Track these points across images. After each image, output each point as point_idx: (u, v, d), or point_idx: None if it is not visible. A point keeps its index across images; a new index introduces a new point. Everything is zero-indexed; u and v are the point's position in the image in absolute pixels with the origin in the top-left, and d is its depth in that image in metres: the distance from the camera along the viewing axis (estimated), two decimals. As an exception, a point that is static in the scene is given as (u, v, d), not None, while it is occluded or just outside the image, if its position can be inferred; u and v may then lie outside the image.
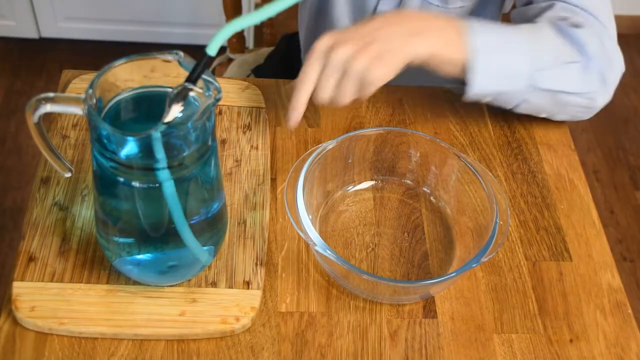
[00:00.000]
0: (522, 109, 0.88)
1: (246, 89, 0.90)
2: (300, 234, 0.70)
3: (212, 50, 0.58)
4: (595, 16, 0.87)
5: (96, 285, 0.70)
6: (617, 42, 0.89)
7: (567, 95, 0.85)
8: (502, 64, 0.82)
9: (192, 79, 0.57)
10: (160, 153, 0.57)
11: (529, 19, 0.91)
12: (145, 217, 0.63)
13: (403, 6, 1.02)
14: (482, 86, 0.82)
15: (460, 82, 0.83)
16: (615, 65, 0.88)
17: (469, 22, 0.82)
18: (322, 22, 1.12)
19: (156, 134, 0.56)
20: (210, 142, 0.61)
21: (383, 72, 0.76)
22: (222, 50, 1.54)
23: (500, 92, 0.85)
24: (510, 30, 0.83)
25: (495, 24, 0.83)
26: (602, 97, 0.87)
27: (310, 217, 0.72)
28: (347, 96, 0.77)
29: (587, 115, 0.89)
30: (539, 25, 0.86)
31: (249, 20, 0.59)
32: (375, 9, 1.03)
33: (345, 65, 0.75)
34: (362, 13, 1.05)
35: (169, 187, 0.59)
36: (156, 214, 0.63)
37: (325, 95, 0.77)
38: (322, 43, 0.76)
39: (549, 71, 0.83)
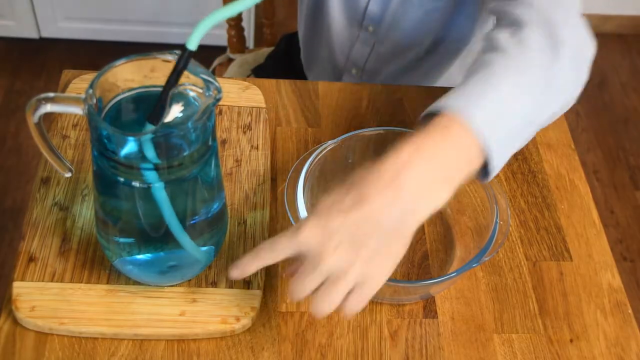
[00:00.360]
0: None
1: (246, 89, 0.90)
2: (301, 234, 0.70)
3: (192, 45, 0.56)
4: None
5: (96, 285, 0.70)
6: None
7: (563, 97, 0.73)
8: (513, 138, 0.68)
9: (174, 74, 0.57)
10: (150, 154, 0.57)
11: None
12: (145, 217, 0.63)
13: (390, 2, 1.01)
14: (502, 164, 0.67)
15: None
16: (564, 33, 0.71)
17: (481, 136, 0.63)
18: (318, 21, 1.12)
19: (145, 137, 0.56)
20: (210, 142, 0.61)
21: (389, 268, 0.60)
22: (222, 50, 1.54)
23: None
24: (504, 99, 0.66)
25: (488, 99, 0.65)
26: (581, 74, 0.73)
27: (311, 217, 0.72)
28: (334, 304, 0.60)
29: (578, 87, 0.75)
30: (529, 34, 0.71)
31: (227, 11, 0.57)
32: (365, 8, 1.04)
33: (337, 275, 0.59)
34: (356, 5, 1.05)
35: (158, 190, 0.60)
36: (156, 214, 0.63)
37: (301, 295, 0.60)
38: (306, 242, 0.59)
39: (541, 108, 0.69)
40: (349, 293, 0.59)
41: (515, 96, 0.66)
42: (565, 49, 0.69)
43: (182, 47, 0.56)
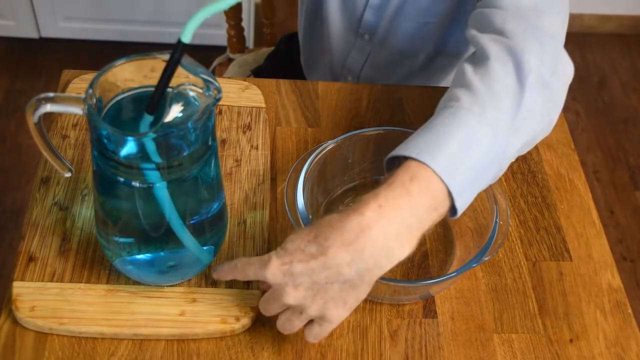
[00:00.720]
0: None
1: (246, 89, 0.90)
2: (300, 234, 0.70)
3: (185, 37, 0.57)
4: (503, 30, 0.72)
5: (96, 285, 0.70)
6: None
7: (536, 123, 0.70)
8: (479, 176, 0.66)
9: (168, 69, 0.57)
10: (152, 153, 0.57)
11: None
12: (145, 217, 0.63)
13: (385, 13, 1.01)
14: (468, 203, 0.66)
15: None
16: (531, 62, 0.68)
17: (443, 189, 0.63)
18: (316, 26, 1.12)
19: (147, 138, 0.56)
20: (210, 142, 0.61)
21: (353, 306, 0.64)
22: (222, 50, 1.54)
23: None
24: (467, 142, 0.65)
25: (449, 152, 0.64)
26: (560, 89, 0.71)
27: (310, 217, 0.72)
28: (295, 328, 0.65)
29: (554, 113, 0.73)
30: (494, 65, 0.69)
31: (221, 5, 0.56)
32: (362, 15, 1.04)
33: (296, 308, 0.64)
34: (353, 13, 1.05)
35: (160, 189, 0.60)
36: (156, 214, 0.63)
37: (267, 314, 0.66)
38: (271, 277, 0.62)
39: (512, 138, 0.67)
40: (311, 321, 0.64)
41: (478, 138, 0.64)
42: (531, 76, 0.67)
43: (177, 40, 0.57)
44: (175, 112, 0.57)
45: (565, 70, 0.72)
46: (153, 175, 0.59)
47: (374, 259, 0.61)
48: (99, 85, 0.59)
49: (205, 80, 0.58)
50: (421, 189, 0.62)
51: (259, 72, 1.32)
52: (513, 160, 0.70)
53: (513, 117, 0.66)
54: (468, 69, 0.70)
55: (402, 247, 0.62)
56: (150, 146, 0.57)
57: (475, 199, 0.76)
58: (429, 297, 0.74)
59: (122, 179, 0.59)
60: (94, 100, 0.58)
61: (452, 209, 0.65)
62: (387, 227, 0.61)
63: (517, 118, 0.66)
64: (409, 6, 1.00)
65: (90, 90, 0.57)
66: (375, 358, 0.69)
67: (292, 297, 0.62)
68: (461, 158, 0.63)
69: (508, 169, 0.86)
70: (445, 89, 0.96)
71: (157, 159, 0.58)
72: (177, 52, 0.57)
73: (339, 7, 1.06)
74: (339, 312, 0.63)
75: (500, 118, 0.66)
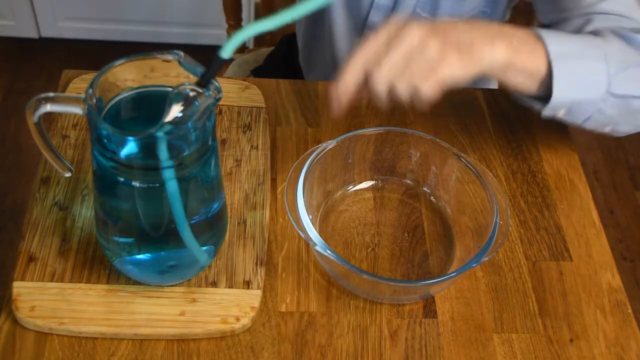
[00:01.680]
0: (591, 123, 0.81)
1: (246, 89, 0.90)
2: (301, 234, 0.70)
3: (226, 53, 0.57)
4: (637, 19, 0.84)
5: (96, 285, 0.70)
6: None
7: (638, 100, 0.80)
8: (581, 71, 0.77)
9: (204, 81, 0.57)
10: (163, 152, 0.57)
11: None
12: (145, 217, 0.63)
13: (394, 14, 1.02)
14: (562, 96, 0.76)
15: (533, 98, 0.79)
16: None
17: (539, 30, 0.78)
18: (319, 27, 1.12)
19: (160, 134, 0.55)
20: (210, 142, 0.61)
21: (459, 68, 0.67)
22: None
23: (579, 102, 0.79)
24: (579, 37, 0.80)
25: (561, 31, 0.81)
26: None
27: (310, 217, 0.72)
28: (407, 88, 0.66)
29: None
30: (600, 32, 0.82)
31: (266, 24, 0.58)
32: (367, 15, 1.04)
33: (418, 47, 0.65)
34: (356, 19, 1.05)
35: (172, 186, 0.59)
36: (156, 214, 0.63)
37: (383, 78, 0.65)
38: (394, 21, 0.65)
39: (623, 74, 0.78)
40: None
41: (601, 58, 0.76)
42: None
43: (215, 55, 0.57)
44: (175, 112, 0.57)
45: None
46: (168, 173, 0.58)
47: (482, 26, 0.71)
48: (99, 85, 0.59)
49: (205, 80, 0.58)
50: (528, 39, 0.74)
51: (259, 72, 1.32)
52: (608, 112, 0.79)
53: (626, 68, 0.78)
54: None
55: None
56: (162, 145, 0.57)
57: (475, 199, 0.76)
58: (429, 297, 0.74)
59: (122, 179, 0.59)
60: (94, 100, 0.58)
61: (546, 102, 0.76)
62: (493, 25, 0.73)
63: (632, 69, 0.78)
64: (421, 8, 1.00)
65: (90, 90, 0.57)
66: (375, 358, 0.69)
67: (415, 27, 0.64)
68: (573, 55, 0.75)
69: (508, 169, 0.87)
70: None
71: (166, 157, 0.58)
72: (214, 67, 0.57)
73: (343, 8, 1.06)
74: (460, 59, 0.67)
75: (617, 63, 0.77)
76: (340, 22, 1.07)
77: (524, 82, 0.74)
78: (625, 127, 0.84)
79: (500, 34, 0.71)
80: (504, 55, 0.70)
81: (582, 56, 0.77)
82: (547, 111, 0.77)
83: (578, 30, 0.85)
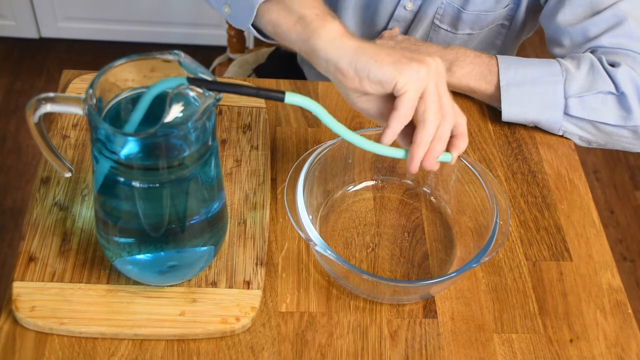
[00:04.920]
0: (570, 137, 0.90)
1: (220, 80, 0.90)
2: (301, 234, 0.70)
3: (289, 98, 0.60)
4: (633, 50, 0.88)
5: (96, 285, 0.70)
6: None
7: (606, 125, 0.87)
8: (532, 95, 0.86)
9: (216, 89, 0.58)
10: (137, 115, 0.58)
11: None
12: (145, 217, 0.63)
13: (414, 27, 1.03)
14: (512, 116, 0.88)
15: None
16: None
17: (498, 56, 0.89)
18: None
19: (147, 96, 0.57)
20: (210, 142, 0.61)
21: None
22: (222, 50, 1.54)
23: (533, 121, 0.89)
24: (540, 62, 0.89)
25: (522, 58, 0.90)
26: None
27: (310, 217, 0.72)
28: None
29: (639, 147, 0.90)
30: (576, 56, 0.90)
31: (328, 120, 0.64)
32: (385, 27, 1.05)
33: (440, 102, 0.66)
34: (371, 30, 1.06)
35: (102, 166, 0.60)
36: (156, 214, 0.63)
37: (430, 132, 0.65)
38: (415, 85, 0.63)
39: (581, 99, 0.86)
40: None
41: (558, 82, 0.86)
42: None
43: (280, 92, 0.60)
44: (175, 112, 0.57)
45: None
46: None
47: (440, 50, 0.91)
48: (99, 85, 0.59)
49: (205, 80, 0.58)
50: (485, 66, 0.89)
51: (261, 70, 1.32)
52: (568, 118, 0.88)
53: (586, 92, 0.86)
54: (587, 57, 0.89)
55: None
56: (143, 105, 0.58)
57: (475, 199, 0.76)
58: (429, 297, 0.74)
59: (122, 179, 0.59)
60: (94, 100, 0.58)
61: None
62: (455, 49, 0.91)
63: (592, 95, 0.86)
64: (440, 20, 1.03)
65: (90, 90, 0.57)
66: (375, 358, 0.69)
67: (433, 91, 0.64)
68: (525, 81, 0.87)
69: (508, 169, 0.87)
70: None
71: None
72: (273, 94, 0.60)
73: (356, 20, 1.06)
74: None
75: (576, 88, 0.86)
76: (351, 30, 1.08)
77: (480, 98, 0.92)
78: (613, 146, 0.90)
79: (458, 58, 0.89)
80: (458, 80, 0.89)
81: (536, 81, 0.87)
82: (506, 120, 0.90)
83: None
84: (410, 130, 0.65)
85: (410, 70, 0.62)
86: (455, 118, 0.66)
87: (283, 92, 0.60)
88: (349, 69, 0.63)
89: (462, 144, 0.68)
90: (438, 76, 0.64)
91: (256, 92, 0.60)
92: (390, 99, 0.64)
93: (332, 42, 0.64)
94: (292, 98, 0.60)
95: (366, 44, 0.64)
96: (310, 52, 0.65)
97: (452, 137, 0.67)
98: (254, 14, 0.70)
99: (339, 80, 0.65)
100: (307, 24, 0.65)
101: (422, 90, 0.63)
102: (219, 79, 0.60)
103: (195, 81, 0.57)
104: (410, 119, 0.64)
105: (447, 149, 0.67)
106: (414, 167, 0.65)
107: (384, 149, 0.66)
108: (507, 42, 1.08)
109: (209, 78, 0.58)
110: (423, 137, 0.64)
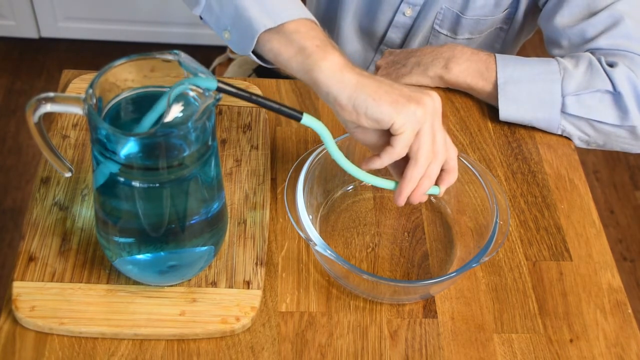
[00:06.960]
0: (570, 136, 0.90)
1: (246, 89, 0.90)
2: (301, 233, 0.70)
3: (306, 120, 0.63)
4: (631, 50, 0.89)
5: (96, 285, 0.70)
6: None
7: (604, 125, 0.87)
8: (529, 93, 0.86)
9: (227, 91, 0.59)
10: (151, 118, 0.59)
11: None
12: (145, 217, 0.63)
13: (414, 33, 1.04)
14: (510, 113, 0.89)
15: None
16: None
17: (497, 54, 0.90)
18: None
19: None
20: (210, 142, 0.61)
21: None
22: (222, 50, 1.54)
23: (531, 121, 0.89)
24: (538, 61, 0.89)
25: (520, 57, 0.90)
26: None
27: (311, 217, 0.72)
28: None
29: (637, 148, 0.90)
30: (575, 55, 0.90)
31: (330, 147, 0.67)
32: (384, 34, 1.05)
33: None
34: (371, 38, 1.06)
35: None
36: (156, 214, 0.63)
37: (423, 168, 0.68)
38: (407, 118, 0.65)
39: (579, 97, 0.86)
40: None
41: (556, 80, 0.87)
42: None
43: (298, 112, 0.63)
44: (175, 112, 0.57)
45: None
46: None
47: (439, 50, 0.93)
48: (99, 85, 0.59)
49: (205, 80, 0.58)
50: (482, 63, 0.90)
51: (262, 70, 1.32)
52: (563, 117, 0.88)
53: (584, 91, 0.86)
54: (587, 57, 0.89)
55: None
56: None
57: (475, 199, 0.76)
58: (429, 297, 0.74)
59: (122, 179, 0.59)
60: (94, 100, 0.58)
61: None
62: (452, 47, 0.93)
63: (590, 94, 0.86)
64: (439, 25, 1.03)
65: (90, 90, 0.57)
66: (375, 358, 0.69)
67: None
68: (523, 79, 0.88)
69: (508, 169, 0.87)
70: (444, 88, 0.96)
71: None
72: (293, 113, 0.63)
73: (354, 30, 1.06)
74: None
75: (573, 86, 0.86)
76: (351, 41, 1.08)
77: (478, 96, 0.92)
78: (612, 147, 0.90)
79: (456, 56, 0.90)
80: (455, 77, 0.90)
81: (533, 79, 0.87)
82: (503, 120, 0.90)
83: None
84: (400, 161, 0.67)
85: (407, 112, 0.63)
86: (447, 154, 0.68)
87: (301, 113, 0.63)
88: (347, 104, 0.65)
89: (451, 178, 0.70)
90: (434, 115, 0.65)
91: (278, 108, 0.62)
92: (386, 133, 0.66)
93: (333, 76, 0.65)
94: (308, 120, 0.64)
95: (366, 79, 0.65)
96: (311, 83, 0.67)
97: (442, 171, 0.69)
98: (255, 42, 0.70)
99: (337, 112, 0.66)
100: (308, 55, 0.66)
101: (418, 130, 0.64)
102: (246, 89, 0.62)
103: (224, 88, 0.59)
104: (403, 155, 0.66)
105: (436, 183, 0.69)
106: (402, 201, 0.68)
107: (376, 180, 0.69)
108: (506, 45, 1.08)
109: (211, 78, 0.58)
110: (413, 174, 0.66)
